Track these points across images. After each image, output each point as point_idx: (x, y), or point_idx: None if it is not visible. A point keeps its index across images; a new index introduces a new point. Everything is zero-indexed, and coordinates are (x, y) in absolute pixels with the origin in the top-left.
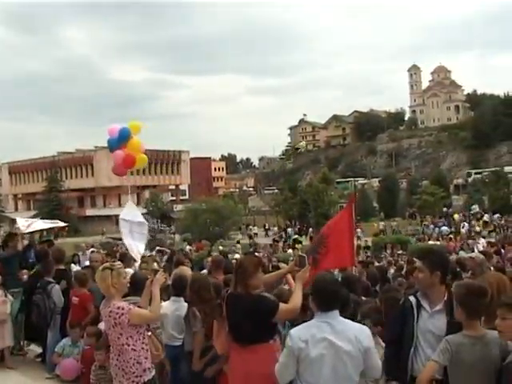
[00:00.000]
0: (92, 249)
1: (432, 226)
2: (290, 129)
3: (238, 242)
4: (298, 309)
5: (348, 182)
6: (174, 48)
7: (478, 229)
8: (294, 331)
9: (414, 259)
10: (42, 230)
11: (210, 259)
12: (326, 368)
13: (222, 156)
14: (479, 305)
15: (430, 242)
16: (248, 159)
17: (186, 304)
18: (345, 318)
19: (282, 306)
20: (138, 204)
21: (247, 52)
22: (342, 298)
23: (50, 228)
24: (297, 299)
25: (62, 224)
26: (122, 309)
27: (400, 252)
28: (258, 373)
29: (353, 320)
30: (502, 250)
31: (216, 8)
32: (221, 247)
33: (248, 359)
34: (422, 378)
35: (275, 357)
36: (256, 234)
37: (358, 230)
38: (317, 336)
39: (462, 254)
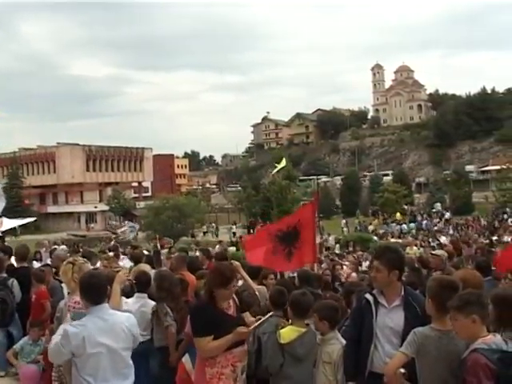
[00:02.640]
0: (55, 246)
1: (393, 224)
2: (253, 126)
3: (205, 233)
4: (213, 352)
5: (311, 179)
6: (136, 45)
7: (439, 227)
8: (71, 328)
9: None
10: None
11: (172, 256)
12: (104, 362)
13: (184, 153)
14: (449, 299)
15: (392, 240)
16: (211, 157)
17: (150, 300)
18: None
19: (202, 340)
20: (100, 201)
21: (210, 49)
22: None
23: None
24: (221, 344)
25: (31, 219)
26: (79, 303)
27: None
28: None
29: None
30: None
31: (179, 5)
32: (182, 244)
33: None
34: (390, 368)
35: (202, 370)
36: (217, 230)
37: (330, 237)
38: (92, 338)
39: (422, 251)
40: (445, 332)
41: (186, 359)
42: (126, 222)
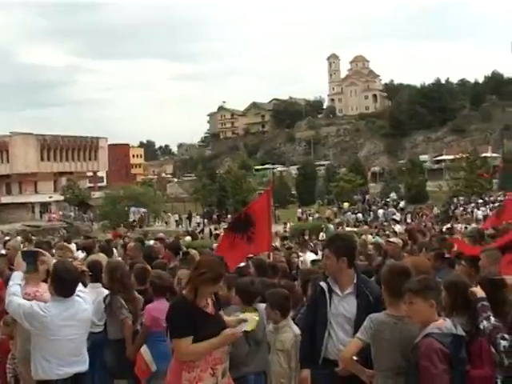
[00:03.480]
0: (7, 237)
1: (349, 212)
2: (209, 115)
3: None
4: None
5: (267, 169)
6: (90, 34)
7: (398, 215)
8: (37, 310)
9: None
10: None
11: (129, 246)
12: (64, 347)
13: (140, 143)
14: (401, 285)
15: (348, 229)
16: (166, 146)
17: (105, 290)
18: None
19: (182, 341)
20: (54, 191)
21: (167, 38)
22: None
23: None
24: (204, 348)
25: None
26: (28, 294)
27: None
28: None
29: None
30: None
31: None
32: (137, 234)
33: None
34: (346, 354)
35: (178, 375)
36: (177, 220)
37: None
38: (55, 324)
39: (378, 239)
40: (399, 317)
41: (144, 350)
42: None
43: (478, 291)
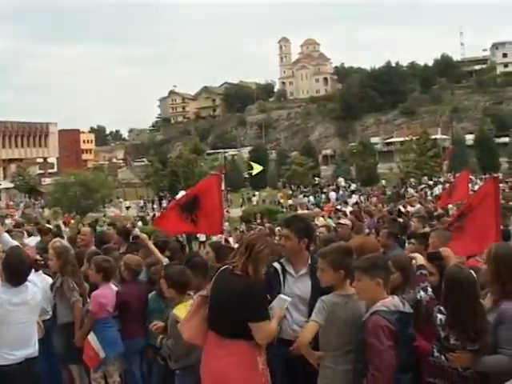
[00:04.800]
0: None
1: (301, 195)
2: (160, 100)
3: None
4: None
5: (218, 153)
6: (38, 17)
7: (355, 197)
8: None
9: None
10: None
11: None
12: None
13: (91, 128)
14: (347, 264)
15: (299, 212)
16: (117, 131)
17: (46, 276)
18: None
19: (269, 323)
20: (4, 178)
21: (117, 22)
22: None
23: None
24: (276, 324)
25: None
26: None
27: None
28: (229, 374)
29: None
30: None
31: None
32: (89, 220)
33: (222, 355)
34: (304, 339)
35: (253, 361)
36: (129, 207)
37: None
38: (5, 310)
39: (330, 221)
40: (349, 296)
41: (92, 337)
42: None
43: (418, 257)
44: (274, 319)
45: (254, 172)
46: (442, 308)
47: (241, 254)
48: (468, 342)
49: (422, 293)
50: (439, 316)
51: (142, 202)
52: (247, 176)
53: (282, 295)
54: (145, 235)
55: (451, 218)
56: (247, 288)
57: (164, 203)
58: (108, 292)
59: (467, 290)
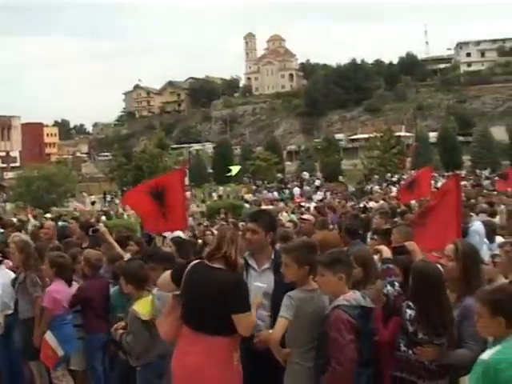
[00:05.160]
0: None
1: (265, 191)
2: (125, 94)
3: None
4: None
5: (183, 147)
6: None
7: (321, 194)
8: None
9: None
10: None
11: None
12: None
13: (54, 122)
14: (310, 259)
15: (263, 207)
16: (82, 125)
17: (9, 270)
18: None
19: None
20: None
21: (81, 15)
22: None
23: None
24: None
25: None
26: None
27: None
28: (207, 371)
29: None
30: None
31: None
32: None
33: (197, 352)
34: (275, 335)
35: (230, 357)
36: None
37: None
38: None
39: (293, 217)
40: (314, 291)
41: (49, 336)
42: None
43: (384, 251)
44: (252, 307)
45: (234, 172)
46: (410, 303)
47: (228, 247)
48: (435, 336)
49: (389, 287)
50: (408, 311)
51: (109, 196)
52: (211, 171)
53: (257, 283)
54: (104, 229)
55: (414, 214)
56: (234, 281)
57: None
58: (62, 288)
59: (435, 284)
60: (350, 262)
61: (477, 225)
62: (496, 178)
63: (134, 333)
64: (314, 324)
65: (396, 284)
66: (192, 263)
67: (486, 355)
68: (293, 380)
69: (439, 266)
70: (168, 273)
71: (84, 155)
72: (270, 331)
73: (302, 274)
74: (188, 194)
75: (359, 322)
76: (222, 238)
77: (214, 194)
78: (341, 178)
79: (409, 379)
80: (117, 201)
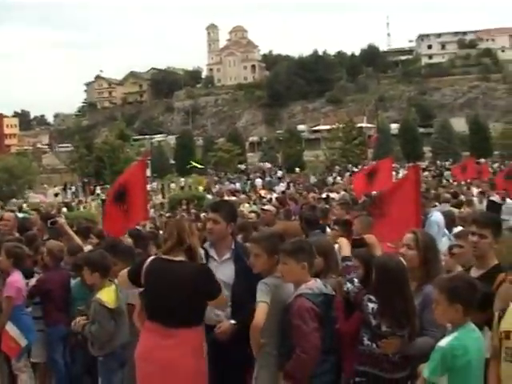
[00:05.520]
0: None
1: (227, 182)
2: (86, 85)
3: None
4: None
5: (144, 139)
6: None
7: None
8: None
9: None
10: None
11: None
12: None
13: (14, 113)
14: (276, 248)
15: (225, 198)
16: (42, 116)
17: None
18: None
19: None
20: None
21: (43, 5)
22: None
23: None
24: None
25: None
26: None
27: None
28: (181, 363)
29: None
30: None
31: None
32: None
33: (170, 345)
34: (259, 322)
35: (201, 348)
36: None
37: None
38: None
39: (255, 207)
40: (282, 279)
41: (10, 327)
42: None
43: (344, 248)
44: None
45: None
46: (371, 297)
47: (190, 239)
48: (398, 328)
49: (348, 285)
50: (370, 305)
51: (74, 187)
52: (173, 162)
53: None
54: (63, 220)
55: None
56: (204, 270)
57: (98, 190)
58: (19, 278)
59: (398, 278)
60: (312, 250)
61: (436, 215)
62: (455, 169)
63: (100, 321)
64: (282, 310)
65: (355, 280)
66: (150, 260)
67: (443, 342)
68: (266, 371)
69: (402, 259)
70: (125, 272)
71: (45, 146)
72: (232, 321)
73: (271, 263)
74: (149, 185)
75: (322, 309)
76: (182, 230)
77: (173, 185)
78: (297, 169)
79: (372, 372)
80: (81, 192)
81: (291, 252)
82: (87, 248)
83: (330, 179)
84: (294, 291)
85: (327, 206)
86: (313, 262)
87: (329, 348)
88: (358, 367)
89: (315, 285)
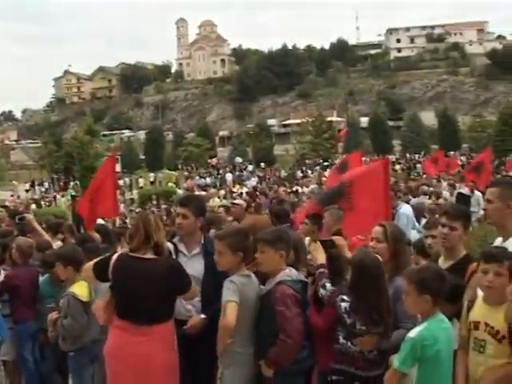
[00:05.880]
0: None
1: (198, 177)
2: (55, 80)
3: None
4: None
5: (114, 134)
6: None
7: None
8: None
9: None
10: None
11: None
12: None
13: None
14: (242, 245)
15: (196, 193)
16: (10, 112)
17: None
18: None
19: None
20: None
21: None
22: None
23: None
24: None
25: None
26: None
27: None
28: (153, 358)
29: None
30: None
31: None
32: None
33: (143, 341)
34: (231, 321)
35: (173, 341)
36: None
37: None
38: None
39: (225, 202)
40: (249, 275)
41: None
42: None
43: (318, 257)
44: None
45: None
46: (344, 297)
47: (157, 235)
48: (373, 325)
49: (322, 291)
50: (343, 304)
51: (46, 183)
52: (143, 157)
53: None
54: (31, 216)
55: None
56: (176, 265)
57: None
58: None
59: (374, 273)
60: (290, 240)
61: (405, 208)
62: (426, 162)
63: (73, 315)
64: (254, 306)
65: (327, 285)
66: (116, 256)
67: (412, 333)
68: (232, 370)
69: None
70: (90, 265)
71: (13, 142)
72: (202, 316)
73: (236, 260)
74: (121, 181)
75: (302, 295)
76: (148, 225)
77: (141, 181)
78: (262, 164)
79: (348, 371)
80: (52, 189)
81: (270, 241)
82: (56, 244)
83: (300, 173)
84: (270, 280)
85: (296, 200)
86: (289, 251)
87: (307, 334)
88: (334, 365)
89: (293, 272)
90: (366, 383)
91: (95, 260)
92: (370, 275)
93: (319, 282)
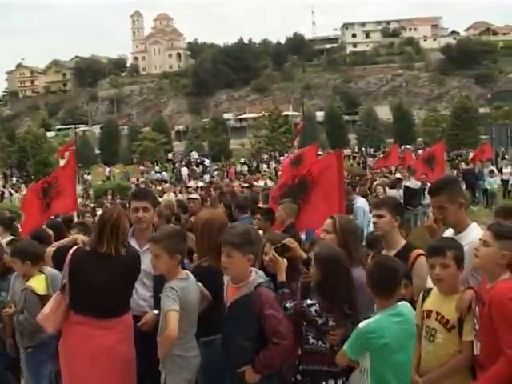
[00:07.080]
0: None
1: (153, 171)
2: (7, 73)
3: None
4: None
5: (69, 128)
6: None
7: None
8: None
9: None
10: None
11: None
12: None
13: None
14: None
15: (152, 188)
16: None
17: None
18: None
19: None
20: None
21: None
22: None
23: None
24: None
25: None
26: None
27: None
28: (113, 352)
29: None
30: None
31: None
32: None
33: (106, 334)
34: (174, 332)
35: (132, 334)
36: None
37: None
38: None
39: (180, 197)
40: (187, 279)
41: None
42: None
43: (280, 273)
44: None
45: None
46: (308, 301)
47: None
48: (342, 318)
49: (288, 310)
50: (312, 308)
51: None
52: (98, 152)
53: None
54: None
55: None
56: (136, 258)
57: (13, 180)
58: None
59: (344, 266)
60: (258, 241)
61: (361, 201)
62: (381, 156)
63: (30, 310)
64: (195, 312)
65: (288, 305)
66: (73, 251)
67: (362, 323)
68: (174, 375)
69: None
70: (51, 251)
71: None
72: (155, 311)
73: (173, 264)
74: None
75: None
76: (119, 224)
77: (89, 177)
78: (208, 159)
79: (320, 370)
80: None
81: (239, 245)
82: (6, 240)
83: (255, 167)
84: (228, 283)
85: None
86: (258, 252)
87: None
88: (305, 367)
89: (260, 273)
90: (341, 377)
91: (55, 247)
92: (340, 268)
93: (282, 303)
